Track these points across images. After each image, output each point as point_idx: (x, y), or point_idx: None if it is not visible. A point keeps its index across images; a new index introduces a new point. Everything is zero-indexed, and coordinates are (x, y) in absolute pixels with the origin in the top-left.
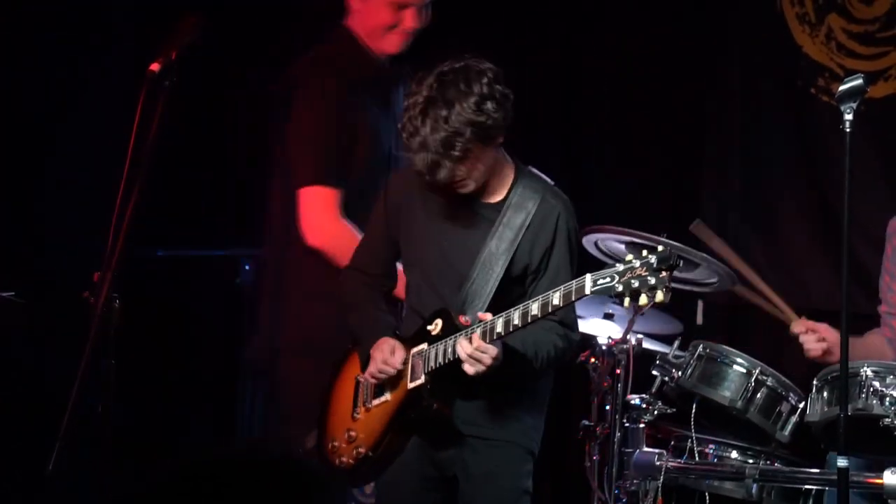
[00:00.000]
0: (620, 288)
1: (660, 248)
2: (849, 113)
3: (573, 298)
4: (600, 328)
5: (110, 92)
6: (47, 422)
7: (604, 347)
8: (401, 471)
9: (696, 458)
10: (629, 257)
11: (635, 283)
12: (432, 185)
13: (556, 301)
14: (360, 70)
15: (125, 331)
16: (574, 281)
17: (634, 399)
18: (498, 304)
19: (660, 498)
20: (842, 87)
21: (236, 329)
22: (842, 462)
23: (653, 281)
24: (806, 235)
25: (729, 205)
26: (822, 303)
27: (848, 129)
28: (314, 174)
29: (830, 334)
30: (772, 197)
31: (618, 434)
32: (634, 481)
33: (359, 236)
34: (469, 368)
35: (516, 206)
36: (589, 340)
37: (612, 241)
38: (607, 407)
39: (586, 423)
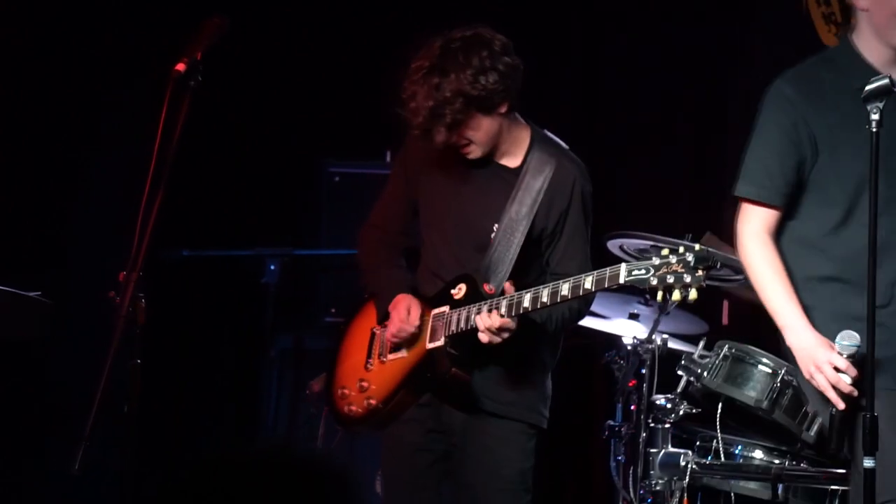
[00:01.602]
0: (655, 282)
1: (697, 246)
2: (875, 113)
3: (605, 285)
4: (625, 328)
5: (136, 92)
6: (73, 421)
7: (629, 348)
8: (407, 427)
9: (722, 459)
10: (665, 251)
11: (670, 279)
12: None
13: (587, 285)
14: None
15: (150, 331)
16: (608, 268)
17: (660, 399)
18: (518, 268)
19: (685, 498)
20: (868, 87)
21: (261, 329)
22: (868, 462)
23: (688, 279)
24: None
25: None
26: None
27: (874, 129)
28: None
29: None
30: None
31: (643, 434)
32: (660, 481)
33: None
34: (484, 338)
35: (534, 171)
36: (614, 341)
37: (638, 245)
38: (632, 407)
39: (611, 423)
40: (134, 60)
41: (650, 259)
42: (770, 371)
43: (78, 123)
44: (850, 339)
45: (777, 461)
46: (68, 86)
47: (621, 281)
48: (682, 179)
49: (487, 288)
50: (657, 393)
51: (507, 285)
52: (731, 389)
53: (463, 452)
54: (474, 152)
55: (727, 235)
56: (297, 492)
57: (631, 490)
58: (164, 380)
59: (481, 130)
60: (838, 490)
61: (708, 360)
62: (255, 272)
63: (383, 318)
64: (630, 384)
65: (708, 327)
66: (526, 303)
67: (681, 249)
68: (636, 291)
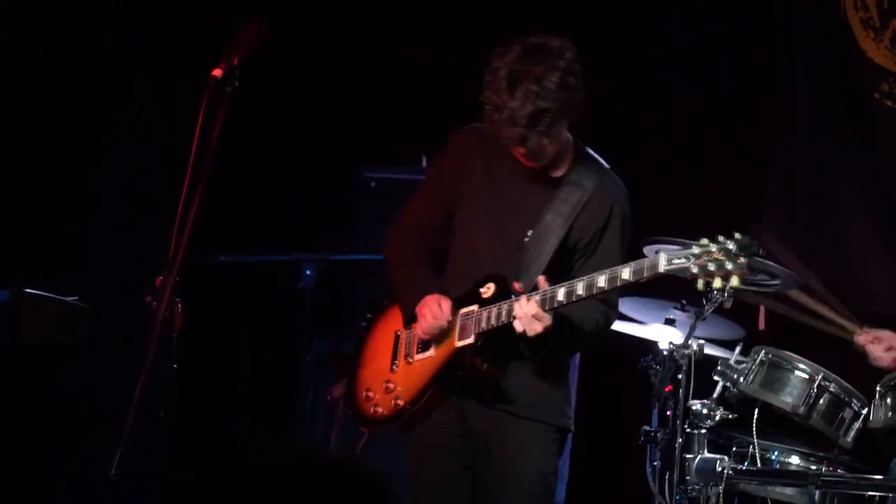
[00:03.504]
0: (695, 270)
1: (737, 235)
2: None
3: (645, 275)
4: (662, 334)
5: (162, 94)
6: (109, 425)
7: (665, 353)
8: (434, 430)
9: (758, 464)
10: (704, 241)
11: (711, 267)
12: (510, 154)
13: (625, 276)
14: None
15: (187, 335)
16: (646, 259)
17: (696, 405)
18: (548, 275)
19: (721, 503)
20: None
21: (298, 334)
22: None
23: (730, 266)
24: (868, 238)
25: (793, 208)
26: (886, 305)
27: None
28: None
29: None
30: (835, 200)
31: (679, 439)
32: (696, 487)
33: None
34: (518, 326)
35: (575, 184)
36: (650, 346)
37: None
38: (668, 412)
39: (647, 428)
40: (140, 61)
41: (689, 248)
42: (807, 377)
43: (84, 126)
44: None
45: (814, 467)
46: (70, 87)
47: (661, 270)
48: (721, 183)
49: (518, 286)
50: (693, 398)
51: (541, 279)
52: (767, 395)
53: (485, 455)
54: (544, 160)
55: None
56: (331, 496)
57: (667, 495)
58: (201, 384)
59: (560, 137)
60: (875, 496)
61: (744, 365)
62: (291, 277)
63: (410, 319)
64: (666, 389)
65: (744, 332)
66: (560, 296)
67: (720, 238)
68: (671, 295)
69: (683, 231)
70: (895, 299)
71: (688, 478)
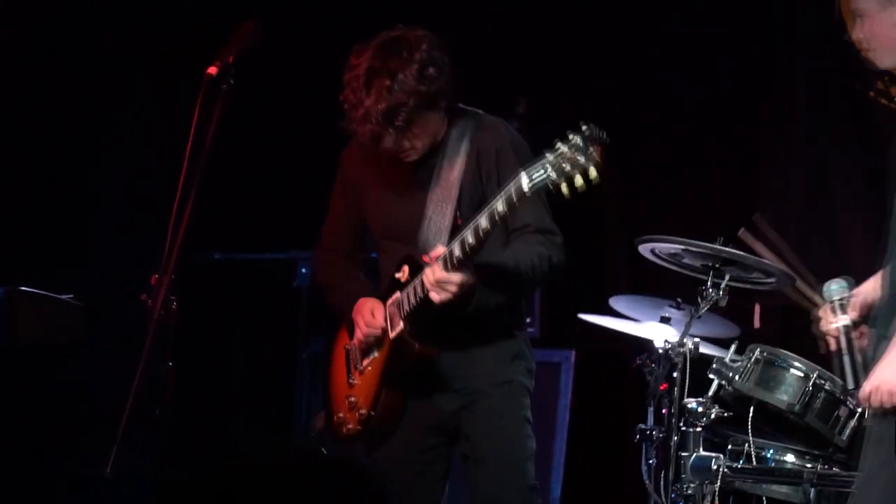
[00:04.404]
0: (555, 176)
1: (584, 127)
2: None
3: (516, 201)
4: (657, 332)
5: (162, 94)
6: (105, 424)
7: (660, 351)
8: (402, 449)
9: (753, 462)
10: (557, 143)
11: (567, 167)
12: (379, 154)
13: (500, 208)
14: None
15: (182, 334)
16: (511, 184)
17: (691, 403)
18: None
19: (716, 502)
20: None
21: (293, 332)
22: None
23: (582, 160)
24: (867, 239)
25: (792, 208)
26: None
27: None
28: None
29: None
30: (834, 200)
31: (675, 438)
32: (691, 485)
33: None
34: (435, 296)
35: (455, 139)
36: (646, 344)
37: (669, 248)
38: (664, 410)
39: (643, 426)
40: (140, 61)
41: (543, 157)
42: (802, 375)
43: (84, 126)
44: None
45: (809, 465)
46: (94, 84)
47: (526, 190)
48: (717, 182)
49: (426, 258)
50: (689, 396)
51: (439, 248)
52: (762, 393)
53: (467, 431)
54: (414, 155)
55: (761, 239)
56: (327, 495)
57: (662, 493)
58: (197, 383)
59: (427, 130)
60: None
61: (739, 363)
62: (287, 275)
63: (352, 330)
64: (661, 388)
65: (739, 331)
66: (457, 251)
67: (570, 135)
68: (666, 294)
69: (683, 231)
70: None
71: (683, 476)
